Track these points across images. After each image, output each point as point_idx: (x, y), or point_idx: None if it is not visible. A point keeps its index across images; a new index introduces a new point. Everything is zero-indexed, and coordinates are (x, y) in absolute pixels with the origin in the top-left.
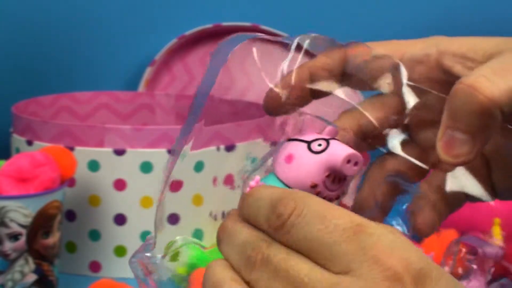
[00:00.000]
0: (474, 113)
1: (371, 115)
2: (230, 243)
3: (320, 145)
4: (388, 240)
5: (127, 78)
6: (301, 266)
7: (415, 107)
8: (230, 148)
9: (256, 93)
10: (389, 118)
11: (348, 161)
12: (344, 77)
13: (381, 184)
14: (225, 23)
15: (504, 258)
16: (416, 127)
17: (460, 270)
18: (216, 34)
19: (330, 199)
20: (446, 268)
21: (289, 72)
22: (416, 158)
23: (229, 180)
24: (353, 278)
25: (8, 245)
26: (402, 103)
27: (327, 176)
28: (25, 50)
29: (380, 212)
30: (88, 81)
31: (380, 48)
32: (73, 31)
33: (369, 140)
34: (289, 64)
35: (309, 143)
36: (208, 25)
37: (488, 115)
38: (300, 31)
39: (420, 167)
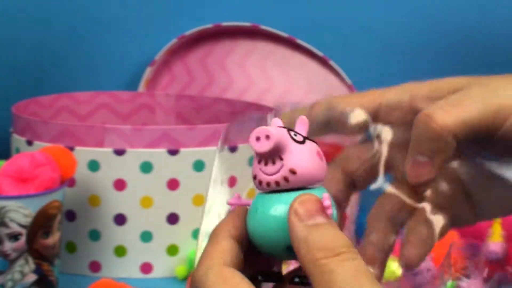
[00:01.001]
0: (430, 138)
1: (356, 162)
2: None
3: None
4: None
5: (127, 78)
6: None
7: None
8: (232, 149)
9: (256, 93)
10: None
11: (258, 138)
12: (327, 127)
13: (383, 228)
14: (225, 23)
15: (506, 261)
16: (397, 167)
17: (457, 270)
18: (216, 34)
19: (277, 183)
20: (446, 276)
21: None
22: (406, 194)
23: (230, 181)
24: None
25: (8, 245)
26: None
27: (259, 162)
28: (25, 50)
29: (384, 253)
30: (88, 81)
31: (360, 98)
32: (73, 31)
33: (356, 183)
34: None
35: None
36: (208, 25)
37: (442, 140)
38: (300, 31)
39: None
